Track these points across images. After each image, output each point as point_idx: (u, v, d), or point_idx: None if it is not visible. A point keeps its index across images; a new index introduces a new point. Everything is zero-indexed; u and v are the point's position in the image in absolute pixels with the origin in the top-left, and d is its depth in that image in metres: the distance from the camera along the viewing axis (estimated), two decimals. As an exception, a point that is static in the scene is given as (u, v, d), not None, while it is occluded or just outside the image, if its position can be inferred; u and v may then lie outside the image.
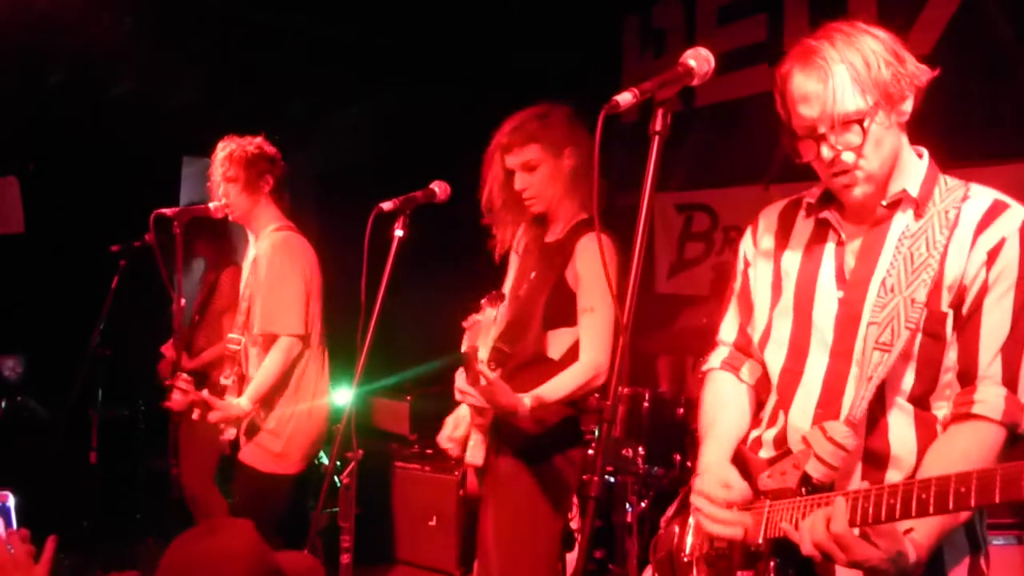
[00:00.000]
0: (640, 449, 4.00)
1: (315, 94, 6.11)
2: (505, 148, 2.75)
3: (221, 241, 4.70)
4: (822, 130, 1.65)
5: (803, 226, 1.87)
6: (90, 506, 4.98)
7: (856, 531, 1.49)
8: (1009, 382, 1.61)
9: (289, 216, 3.66)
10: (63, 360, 4.90)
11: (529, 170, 2.72)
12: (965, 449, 1.59)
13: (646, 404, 4.05)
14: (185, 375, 3.49)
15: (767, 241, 1.93)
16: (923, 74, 1.68)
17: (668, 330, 4.77)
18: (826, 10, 3.93)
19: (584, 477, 4.14)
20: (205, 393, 3.41)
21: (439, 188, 2.70)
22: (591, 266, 2.64)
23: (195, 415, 3.46)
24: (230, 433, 3.42)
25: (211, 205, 3.52)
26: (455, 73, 5.79)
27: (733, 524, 1.70)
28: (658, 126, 1.51)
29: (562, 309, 2.70)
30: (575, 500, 4.08)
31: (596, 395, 4.58)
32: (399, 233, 2.60)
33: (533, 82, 5.61)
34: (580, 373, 2.64)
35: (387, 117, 6.08)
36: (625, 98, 1.49)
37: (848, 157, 1.65)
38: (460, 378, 2.51)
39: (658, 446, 4.00)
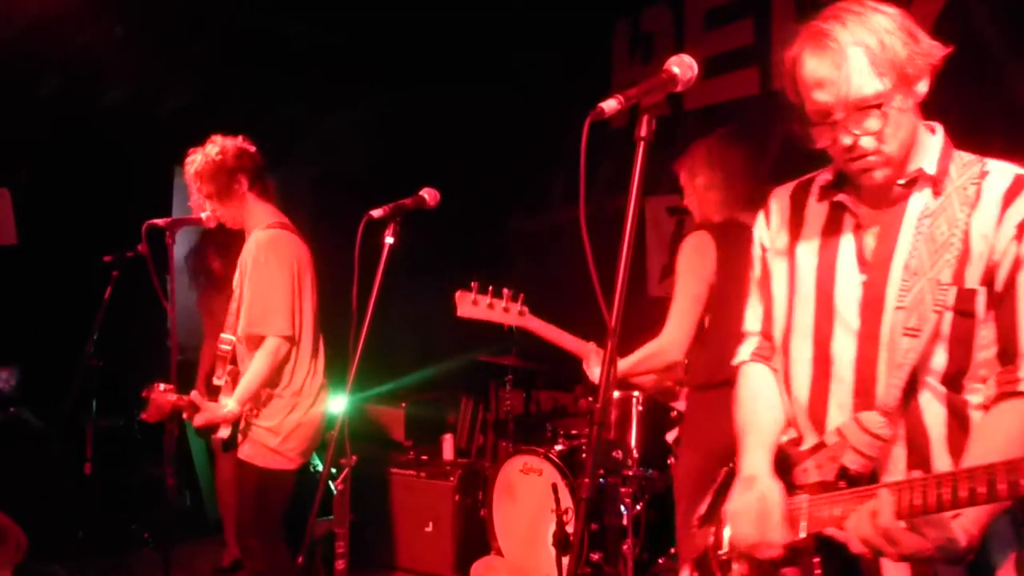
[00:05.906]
0: (634, 452, 4.00)
1: (305, 101, 6.12)
2: None
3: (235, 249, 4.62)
4: (839, 116, 1.60)
5: (816, 210, 1.82)
6: (85, 516, 4.96)
7: (903, 523, 1.47)
8: None
9: (279, 205, 3.62)
10: (57, 371, 4.88)
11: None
12: (1012, 430, 1.56)
13: (640, 407, 4.05)
14: (162, 384, 3.45)
15: (780, 227, 1.89)
16: (937, 51, 1.63)
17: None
18: (813, 13, 3.95)
19: (577, 480, 4.15)
20: (193, 394, 3.41)
21: (429, 195, 2.72)
22: (679, 259, 3.13)
23: (185, 416, 3.45)
24: (223, 432, 3.41)
25: (203, 215, 3.52)
26: (445, 79, 5.80)
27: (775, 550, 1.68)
28: (643, 132, 1.52)
29: None
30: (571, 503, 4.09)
31: (589, 398, 4.64)
32: (389, 240, 2.61)
33: (523, 87, 5.63)
34: (645, 349, 3.04)
35: (376, 124, 6.09)
36: (610, 105, 1.50)
37: (867, 143, 1.60)
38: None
39: (652, 449, 4.01)
